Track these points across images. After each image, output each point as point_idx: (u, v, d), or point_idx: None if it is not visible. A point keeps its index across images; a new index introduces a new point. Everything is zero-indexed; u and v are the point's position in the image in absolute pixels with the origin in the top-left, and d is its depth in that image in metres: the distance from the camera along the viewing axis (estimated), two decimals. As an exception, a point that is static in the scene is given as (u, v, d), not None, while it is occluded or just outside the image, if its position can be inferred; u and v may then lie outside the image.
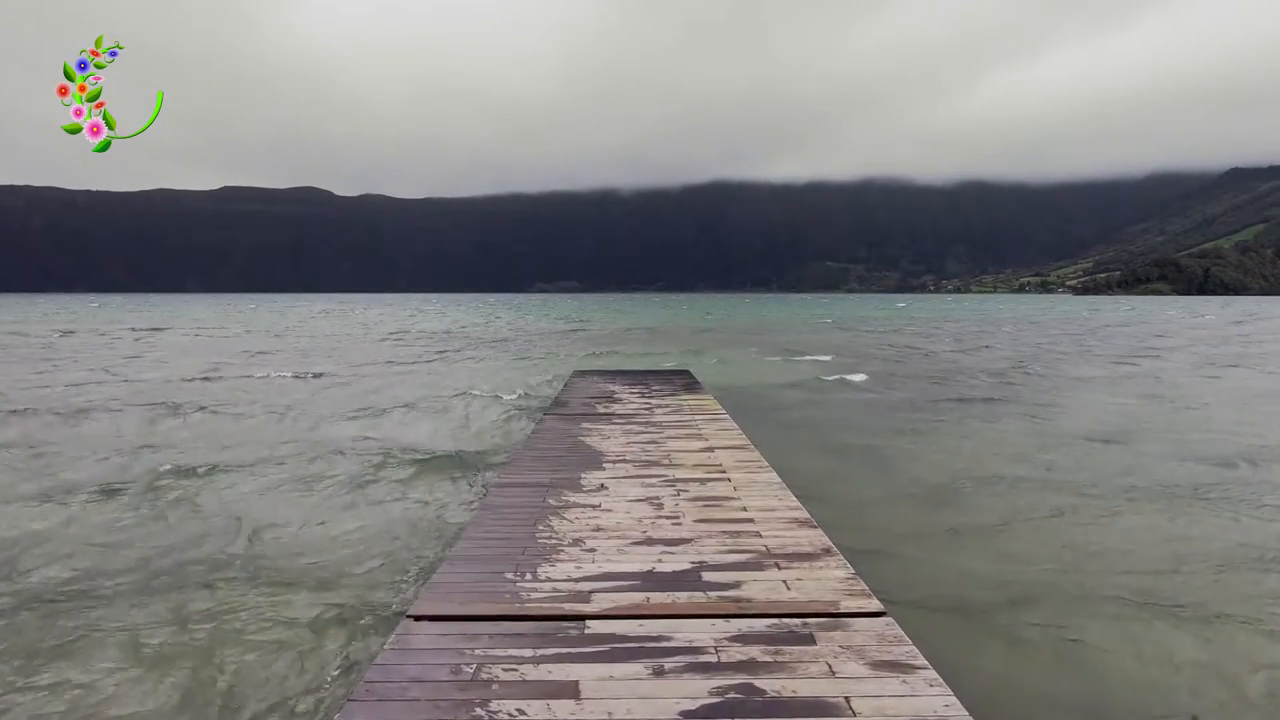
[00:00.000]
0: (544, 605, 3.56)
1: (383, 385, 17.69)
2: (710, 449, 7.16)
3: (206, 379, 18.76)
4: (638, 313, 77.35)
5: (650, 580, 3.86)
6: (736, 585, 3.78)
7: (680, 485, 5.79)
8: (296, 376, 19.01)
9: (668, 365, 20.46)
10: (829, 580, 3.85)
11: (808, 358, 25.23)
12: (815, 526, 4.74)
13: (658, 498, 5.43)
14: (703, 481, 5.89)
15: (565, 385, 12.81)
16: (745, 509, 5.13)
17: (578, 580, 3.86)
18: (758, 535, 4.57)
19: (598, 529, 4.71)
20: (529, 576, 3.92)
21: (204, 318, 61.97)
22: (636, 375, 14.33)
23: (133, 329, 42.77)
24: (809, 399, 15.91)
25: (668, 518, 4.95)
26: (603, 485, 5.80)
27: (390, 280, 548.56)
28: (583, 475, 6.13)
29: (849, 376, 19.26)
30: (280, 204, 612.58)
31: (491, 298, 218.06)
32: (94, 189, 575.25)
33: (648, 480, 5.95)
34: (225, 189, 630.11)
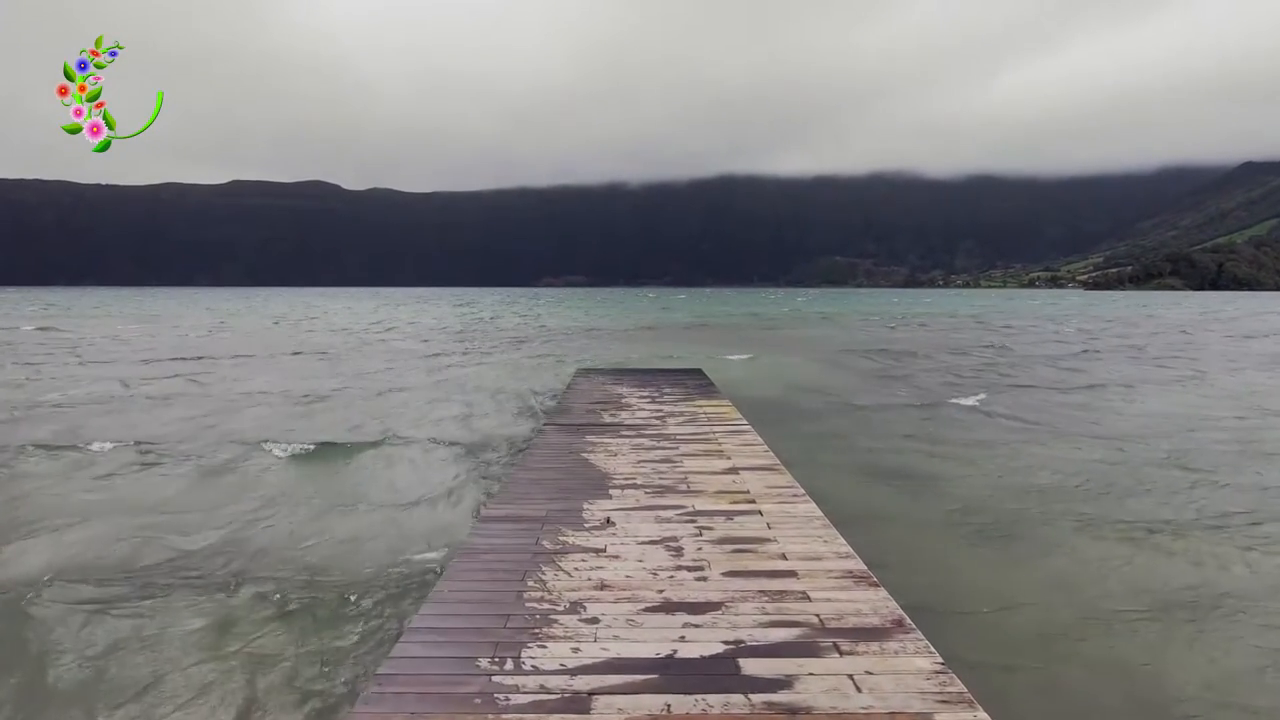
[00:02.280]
0: (527, 717, 2.59)
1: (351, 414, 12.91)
2: (734, 470, 6.18)
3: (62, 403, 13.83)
4: (654, 309, 73.82)
5: (671, 672, 2.90)
6: (787, 683, 2.81)
7: (702, 520, 4.81)
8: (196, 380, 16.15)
9: (728, 374, 17.26)
10: (911, 675, 2.87)
11: (899, 365, 21.28)
12: (876, 584, 3.75)
13: (676, 539, 4.45)
14: (729, 515, 4.92)
15: (568, 387, 11.85)
16: (785, 556, 4.16)
17: (574, 672, 2.90)
18: (805, 597, 3.60)
19: (602, 585, 3.74)
20: (510, 665, 2.95)
21: (197, 312, 60.81)
22: (645, 375, 13.36)
23: (114, 327, 40.89)
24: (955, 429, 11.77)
25: (689, 569, 3.97)
26: (609, 519, 4.84)
27: (398, 274, 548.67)
28: (585, 505, 5.16)
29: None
30: (288, 198, 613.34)
31: (500, 292, 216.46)
32: (103, 183, 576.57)
33: (662, 513, 4.98)
34: (233, 183, 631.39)
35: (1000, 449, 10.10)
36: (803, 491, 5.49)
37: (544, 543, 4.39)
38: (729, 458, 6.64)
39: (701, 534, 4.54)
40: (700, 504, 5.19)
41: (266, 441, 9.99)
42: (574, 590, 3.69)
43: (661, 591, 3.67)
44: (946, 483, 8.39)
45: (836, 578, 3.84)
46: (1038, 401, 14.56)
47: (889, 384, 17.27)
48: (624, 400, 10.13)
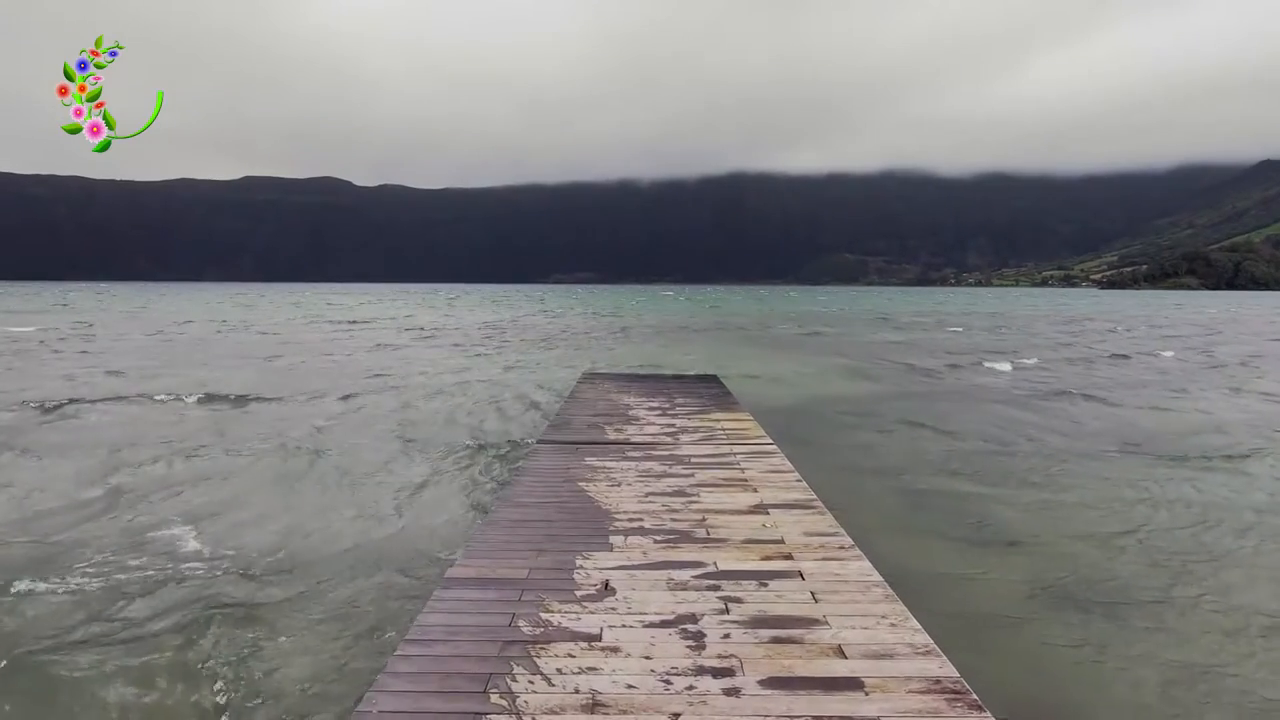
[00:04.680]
0: None
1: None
2: (762, 507, 5.10)
3: None
4: (679, 307, 70.03)
5: None
6: None
7: (727, 586, 3.73)
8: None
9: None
10: None
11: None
12: (979, 705, 2.67)
13: (694, 618, 3.38)
14: (761, 579, 3.84)
15: (570, 394, 10.79)
16: (843, 649, 3.08)
17: None
18: (882, 729, 2.52)
19: (593, 704, 2.68)
20: None
21: (190, 307, 59.95)
22: (656, 382, 12.31)
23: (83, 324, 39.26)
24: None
25: (715, 672, 2.90)
26: (607, 583, 3.77)
27: (408, 270, 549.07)
28: (579, 560, 4.09)
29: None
30: (299, 194, 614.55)
31: (511, 289, 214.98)
32: (117, 179, 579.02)
33: (676, 574, 3.91)
34: (246, 179, 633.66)
35: None
36: (849, 541, 4.41)
37: (520, 623, 3.32)
38: (755, 490, 5.56)
39: (728, 609, 3.47)
40: (724, 559, 4.11)
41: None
42: (554, 714, 2.62)
43: (678, 717, 2.60)
44: None
45: (920, 692, 2.76)
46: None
47: (1068, 419, 12.79)
48: (631, 412, 9.07)
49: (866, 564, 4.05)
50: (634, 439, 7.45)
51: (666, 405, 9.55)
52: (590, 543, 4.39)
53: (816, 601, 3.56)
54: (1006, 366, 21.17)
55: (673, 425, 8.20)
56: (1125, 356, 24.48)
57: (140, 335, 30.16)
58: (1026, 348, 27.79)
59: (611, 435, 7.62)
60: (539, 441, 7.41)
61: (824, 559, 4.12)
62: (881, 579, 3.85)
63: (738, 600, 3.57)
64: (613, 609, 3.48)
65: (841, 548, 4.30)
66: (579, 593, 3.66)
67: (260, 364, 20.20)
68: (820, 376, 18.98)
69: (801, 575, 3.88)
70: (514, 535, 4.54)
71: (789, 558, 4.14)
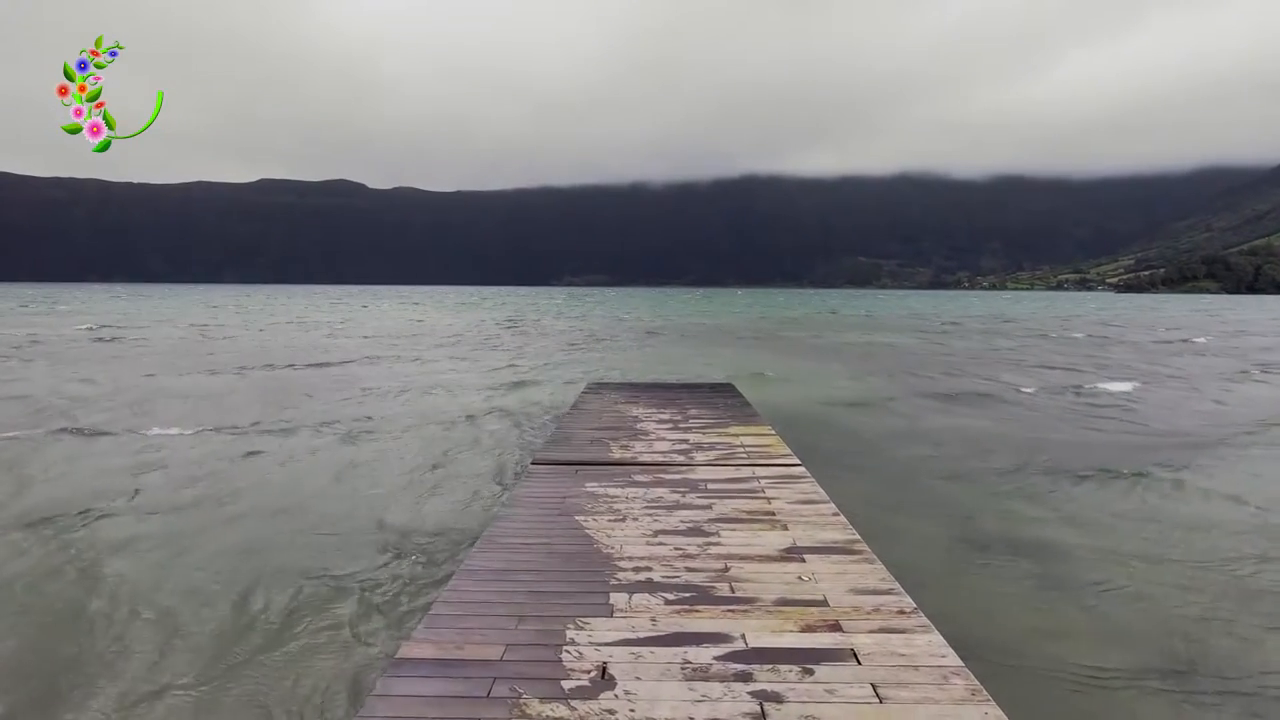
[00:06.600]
0: None
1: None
2: (795, 551, 4.21)
3: None
4: (704, 309, 67.39)
5: None
6: None
7: (762, 675, 2.85)
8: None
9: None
10: None
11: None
12: None
13: (719, 728, 2.50)
14: (804, 662, 2.95)
15: (573, 406, 9.92)
16: (927, 788, 2.20)
17: None
18: None
19: None
20: None
21: (192, 309, 59.43)
22: (666, 392, 11.43)
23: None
24: None
25: (751, 829, 2.03)
26: (605, 670, 2.89)
27: (421, 272, 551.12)
28: (570, 633, 3.22)
29: None
30: (314, 196, 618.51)
31: (523, 291, 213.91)
32: (134, 181, 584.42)
33: (695, 654, 3.02)
34: (262, 181, 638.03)
35: None
36: (911, 604, 3.51)
37: (485, 736, 2.46)
38: (785, 526, 4.68)
39: (764, 714, 2.59)
40: (754, 630, 3.23)
41: None
42: None
43: None
44: None
45: None
46: None
47: None
48: (639, 425, 8.19)
49: (937, 637, 3.16)
50: (642, 458, 6.58)
51: (678, 417, 8.67)
52: (585, 604, 3.52)
53: (881, 700, 2.67)
54: (1122, 386, 16.98)
55: (685, 441, 7.32)
56: (1245, 371, 20.20)
57: (127, 339, 29.41)
58: (1117, 361, 23.50)
59: (616, 453, 6.76)
60: (534, 462, 6.54)
61: (881, 630, 3.23)
62: (960, 662, 2.96)
63: (776, 699, 2.69)
64: (611, 712, 2.61)
65: (902, 612, 3.41)
66: (567, 684, 2.79)
67: (228, 377, 18.16)
68: (904, 397, 15.44)
69: (856, 656, 3.00)
70: (492, 591, 3.67)
71: (836, 627, 3.26)
